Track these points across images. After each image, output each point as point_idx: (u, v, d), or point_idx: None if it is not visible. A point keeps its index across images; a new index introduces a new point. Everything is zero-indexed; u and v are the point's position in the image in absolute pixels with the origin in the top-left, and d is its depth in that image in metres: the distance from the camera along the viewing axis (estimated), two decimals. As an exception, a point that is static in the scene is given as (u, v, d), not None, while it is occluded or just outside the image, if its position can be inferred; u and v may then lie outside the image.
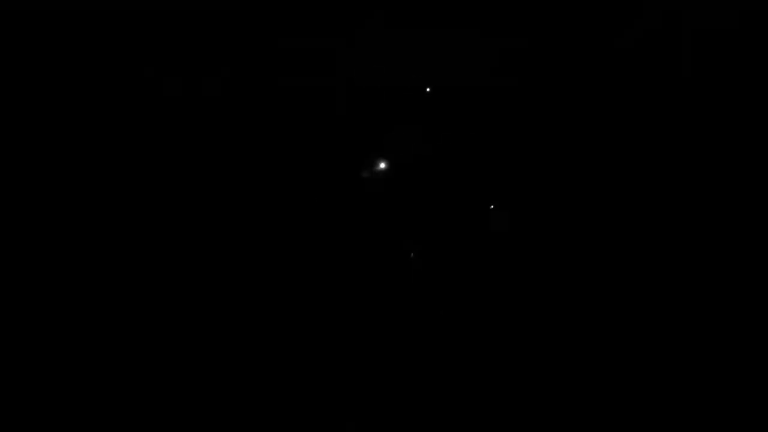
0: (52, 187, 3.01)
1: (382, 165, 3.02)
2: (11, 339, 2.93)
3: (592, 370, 2.95)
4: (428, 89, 2.99)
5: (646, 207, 3.01)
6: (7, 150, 3.01)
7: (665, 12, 3.04)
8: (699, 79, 3.03)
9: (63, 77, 3.04)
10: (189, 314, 2.98)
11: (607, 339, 2.97)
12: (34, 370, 2.92)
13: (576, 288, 3.00)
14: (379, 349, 3.00)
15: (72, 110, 3.04)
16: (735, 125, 3.01)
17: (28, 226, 2.99)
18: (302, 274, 3.02)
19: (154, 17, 3.05)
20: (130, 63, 3.05)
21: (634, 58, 3.04)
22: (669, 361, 2.94)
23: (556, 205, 3.03)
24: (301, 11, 3.08)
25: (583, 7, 3.06)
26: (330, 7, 3.07)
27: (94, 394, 2.91)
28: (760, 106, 3.01)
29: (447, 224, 3.05)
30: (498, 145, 3.06)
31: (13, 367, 2.91)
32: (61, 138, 3.03)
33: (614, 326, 2.97)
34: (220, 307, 2.99)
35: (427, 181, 3.06)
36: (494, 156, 3.06)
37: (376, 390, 2.97)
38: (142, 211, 3.01)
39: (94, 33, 3.04)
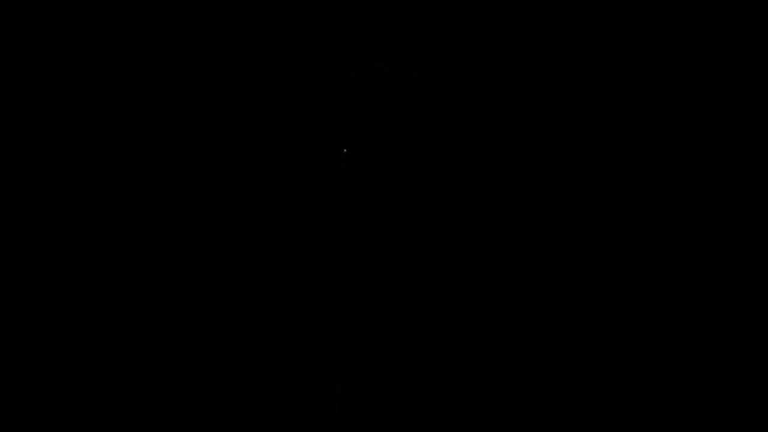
0: (51, 187, 3.01)
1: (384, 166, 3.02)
2: (11, 339, 2.93)
3: (592, 370, 2.95)
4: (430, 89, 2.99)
5: (647, 207, 3.01)
6: (6, 150, 3.01)
7: (665, 12, 3.04)
8: (699, 79, 3.03)
9: (63, 77, 3.04)
10: (188, 314, 2.98)
11: (608, 339, 2.97)
12: (33, 370, 2.92)
13: (576, 288, 3.00)
14: (378, 348, 3.00)
15: (72, 110, 3.04)
16: (735, 125, 3.01)
17: (28, 225, 2.99)
18: (302, 273, 3.02)
19: (154, 17, 3.05)
20: (130, 63, 3.05)
21: (634, 58, 3.04)
22: (669, 360, 2.94)
23: (557, 205, 3.03)
24: (301, 11, 3.08)
25: (583, 7, 3.06)
26: (330, 7, 3.08)
27: (93, 394, 2.92)
28: (760, 106, 3.01)
29: (447, 224, 3.05)
30: (498, 145, 3.06)
31: (12, 367, 2.92)
32: (61, 138, 3.03)
33: (615, 327, 2.98)
34: (219, 308, 2.99)
35: (427, 181, 3.06)
36: (494, 156, 3.06)
37: (377, 390, 2.97)
38: (141, 211, 3.01)
39: (94, 33, 3.05)
